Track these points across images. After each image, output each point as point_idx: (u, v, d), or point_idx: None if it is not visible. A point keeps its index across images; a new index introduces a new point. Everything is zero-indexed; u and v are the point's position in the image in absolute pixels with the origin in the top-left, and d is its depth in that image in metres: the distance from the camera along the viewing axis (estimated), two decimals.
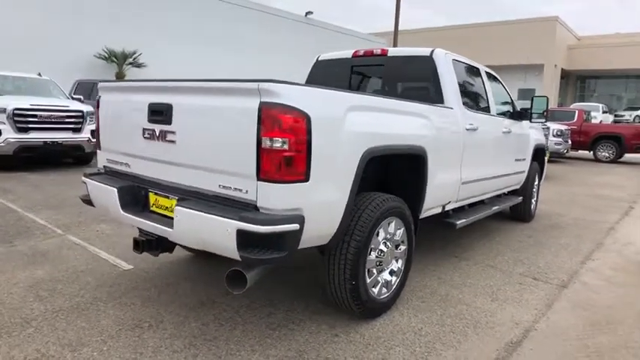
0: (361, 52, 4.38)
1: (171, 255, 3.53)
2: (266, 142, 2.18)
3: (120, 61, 14.75)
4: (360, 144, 2.58)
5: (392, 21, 18.98)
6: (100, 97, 3.17)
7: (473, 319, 3.07)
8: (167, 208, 2.68)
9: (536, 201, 6.22)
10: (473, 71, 4.46)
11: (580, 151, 15.38)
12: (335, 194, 2.48)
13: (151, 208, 2.81)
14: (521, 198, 5.52)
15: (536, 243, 4.98)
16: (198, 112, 2.43)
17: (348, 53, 4.48)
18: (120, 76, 14.51)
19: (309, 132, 2.24)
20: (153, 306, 3.05)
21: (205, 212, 2.28)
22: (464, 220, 4.01)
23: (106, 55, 14.69)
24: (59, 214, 5.30)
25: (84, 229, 4.74)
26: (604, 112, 25.62)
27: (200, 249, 2.51)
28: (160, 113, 2.60)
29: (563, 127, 12.94)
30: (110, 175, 3.14)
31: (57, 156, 8.69)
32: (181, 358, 2.45)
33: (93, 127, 8.55)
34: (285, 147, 2.18)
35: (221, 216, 2.22)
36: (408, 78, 4.16)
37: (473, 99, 4.27)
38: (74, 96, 9.66)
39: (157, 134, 2.64)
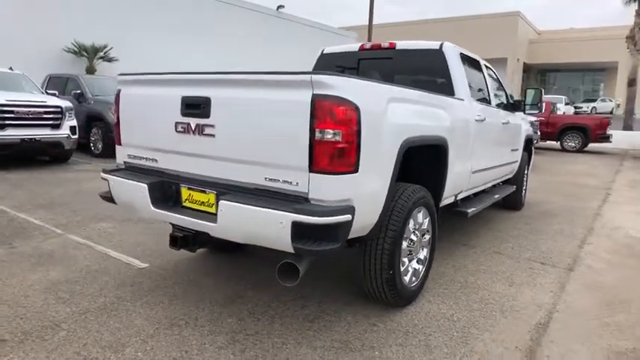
0: (368, 46, 4.42)
1: (183, 252, 3.46)
2: (319, 134, 2.18)
3: (90, 55, 14.16)
4: (399, 134, 2.62)
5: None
6: (119, 90, 3.06)
7: (497, 304, 3.18)
8: (203, 202, 2.64)
9: (526, 190, 6.46)
10: (475, 64, 4.58)
11: (548, 142, 16.00)
12: (378, 184, 2.52)
13: (184, 204, 2.75)
14: (515, 187, 5.72)
15: (534, 229, 5.18)
16: (242, 105, 2.40)
17: (354, 46, 4.50)
18: (90, 71, 13.95)
19: (359, 123, 2.25)
20: (182, 304, 2.99)
21: (256, 205, 2.26)
22: (474, 209, 4.12)
23: (76, 49, 14.07)
24: (53, 213, 5.09)
25: (84, 228, 4.57)
26: (566, 104, 26.79)
27: (244, 242, 2.49)
28: (197, 107, 2.54)
29: (533, 119, 13.42)
30: (133, 170, 3.05)
31: (34, 153, 8.31)
32: (229, 354, 2.43)
33: (72, 123, 8.27)
34: (338, 138, 2.19)
35: (275, 209, 2.20)
36: (418, 71, 4.22)
37: (477, 91, 4.39)
38: (49, 91, 9.23)
39: (193, 128, 2.58)
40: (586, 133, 15.11)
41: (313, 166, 2.21)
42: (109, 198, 3.09)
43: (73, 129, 8.29)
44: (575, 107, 30.62)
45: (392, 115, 2.55)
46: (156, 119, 2.81)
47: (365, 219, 2.46)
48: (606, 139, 15.02)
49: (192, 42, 17.64)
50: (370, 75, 4.53)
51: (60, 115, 8.04)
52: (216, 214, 2.51)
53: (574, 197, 7.23)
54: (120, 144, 3.12)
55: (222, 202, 2.38)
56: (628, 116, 19.78)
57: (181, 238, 2.66)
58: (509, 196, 5.88)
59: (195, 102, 2.55)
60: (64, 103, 8.22)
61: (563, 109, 23.69)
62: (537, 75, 39.83)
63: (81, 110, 9.44)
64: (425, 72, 4.18)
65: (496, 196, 4.95)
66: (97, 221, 4.83)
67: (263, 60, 19.05)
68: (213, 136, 2.52)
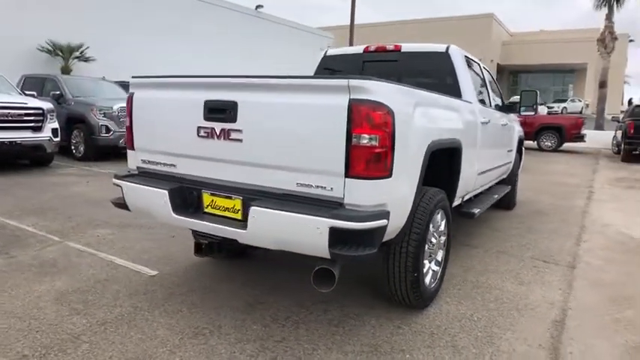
0: (373, 48, 4.42)
1: (191, 258, 3.42)
2: (356, 139, 2.17)
3: (66, 54, 13.71)
4: (426, 138, 2.64)
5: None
6: (132, 93, 2.97)
7: (512, 303, 3.24)
8: (228, 208, 2.59)
9: (516, 189, 6.61)
10: (475, 66, 4.66)
11: (525, 141, 16.37)
12: (408, 188, 2.53)
13: (205, 210, 2.69)
14: (510, 187, 5.84)
15: (530, 229, 5.31)
16: (273, 110, 2.36)
17: (358, 49, 4.50)
18: (66, 71, 13.51)
19: (394, 127, 2.26)
20: (202, 311, 2.93)
21: (291, 211, 2.23)
22: (479, 210, 4.18)
23: (50, 49, 13.60)
24: (45, 219, 4.90)
25: (82, 235, 4.42)
26: (540, 104, 27.56)
27: (274, 248, 2.45)
28: (222, 111, 2.49)
29: None
30: (147, 176, 2.96)
31: (14, 157, 7.99)
32: None
33: (54, 125, 8.00)
34: (375, 143, 2.19)
35: (311, 214, 2.18)
36: (423, 74, 4.26)
37: (481, 93, 4.46)
38: (27, 92, 8.88)
39: (218, 133, 2.53)
40: (562, 133, 15.59)
41: (349, 172, 2.20)
42: (122, 204, 2.99)
43: (54, 131, 8.02)
44: (548, 107, 31.59)
45: (419, 118, 2.56)
46: (175, 124, 2.74)
47: (394, 223, 2.46)
48: (581, 138, 15.54)
49: (173, 42, 17.33)
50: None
51: (41, 117, 7.76)
52: (242, 220, 2.47)
53: (560, 196, 7.44)
54: (133, 149, 3.02)
55: (253, 209, 2.34)
56: (599, 116, 20.51)
57: (207, 246, 2.60)
58: (503, 196, 6.01)
59: (220, 106, 2.50)
60: (46, 105, 7.94)
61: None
62: (510, 76, 40.88)
63: (61, 112, 9.14)
64: (431, 75, 4.23)
65: (495, 196, 5.04)
66: (94, 227, 4.69)
67: (250, 59, 18.90)
68: (240, 141, 2.47)
